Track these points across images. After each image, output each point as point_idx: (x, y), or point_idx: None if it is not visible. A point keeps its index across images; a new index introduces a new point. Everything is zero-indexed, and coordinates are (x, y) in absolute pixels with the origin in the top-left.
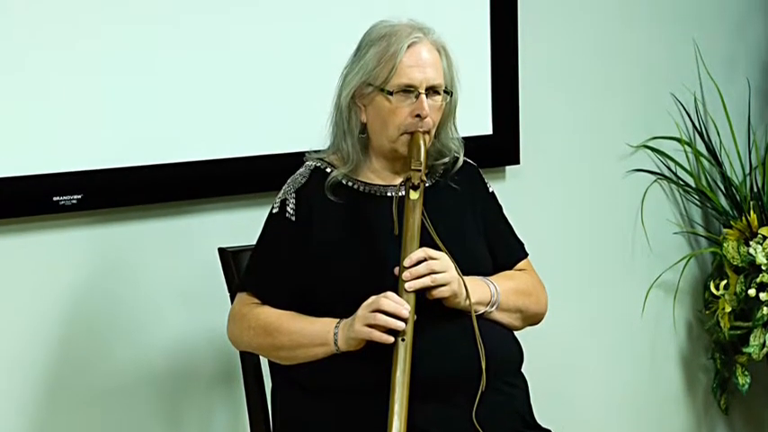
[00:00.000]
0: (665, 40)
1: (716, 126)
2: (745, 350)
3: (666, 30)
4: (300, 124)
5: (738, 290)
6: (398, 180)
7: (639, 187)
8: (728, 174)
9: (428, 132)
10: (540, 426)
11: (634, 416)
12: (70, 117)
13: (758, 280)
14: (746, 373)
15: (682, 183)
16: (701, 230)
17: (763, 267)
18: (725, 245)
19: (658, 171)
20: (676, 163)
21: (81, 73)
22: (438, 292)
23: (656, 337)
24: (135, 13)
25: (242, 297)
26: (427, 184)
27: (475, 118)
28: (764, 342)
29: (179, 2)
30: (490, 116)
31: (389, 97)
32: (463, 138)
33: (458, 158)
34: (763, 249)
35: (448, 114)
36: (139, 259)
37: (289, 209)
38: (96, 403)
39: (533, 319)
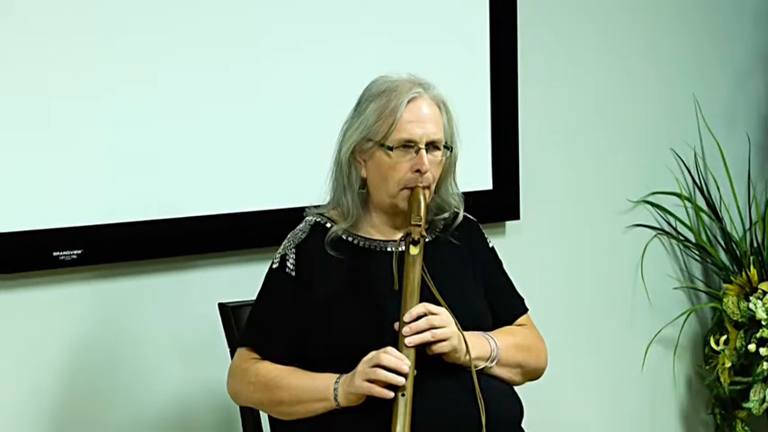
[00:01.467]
0: (665, 96)
1: (716, 181)
2: (745, 405)
3: (666, 85)
4: (300, 180)
5: (738, 345)
6: (398, 235)
7: (639, 242)
8: (728, 229)
9: (428, 187)
10: None
11: None
12: (70, 172)
13: (758, 335)
14: (747, 428)
15: (682, 238)
16: (701, 285)
17: (763, 323)
18: (725, 300)
19: (658, 226)
20: (676, 218)
21: (81, 129)
22: (438, 348)
23: (656, 392)
24: (136, 70)
25: (242, 352)
26: (427, 240)
27: (475, 173)
28: (764, 397)
29: (179, 60)
30: (490, 171)
31: (389, 152)
32: (463, 193)
33: (458, 213)
34: (764, 304)
35: (448, 169)
36: (140, 314)
37: (289, 264)
38: None
39: (533, 374)
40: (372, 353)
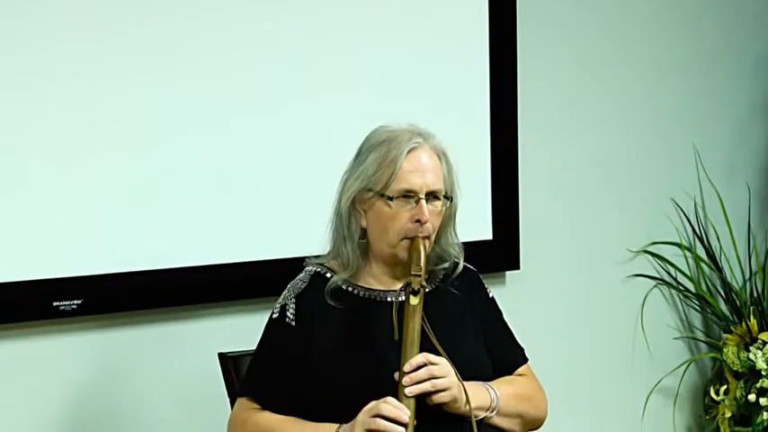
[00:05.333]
0: (666, 146)
1: (716, 231)
2: None
3: (666, 135)
4: (300, 229)
5: (738, 395)
6: (398, 285)
7: (639, 292)
8: (728, 279)
9: (428, 237)
10: None
11: None
12: (70, 223)
13: (758, 385)
14: None
15: (682, 288)
16: (700, 335)
17: (764, 373)
18: (725, 350)
19: (658, 276)
20: (676, 268)
21: (81, 181)
22: (438, 398)
23: None
24: (133, 120)
25: (242, 402)
26: (427, 290)
27: (475, 223)
28: None
29: (179, 111)
30: (490, 221)
31: (389, 202)
32: (463, 243)
33: (458, 263)
34: (764, 354)
35: (448, 219)
36: (139, 364)
37: (289, 314)
38: None
39: (533, 424)
40: (372, 403)
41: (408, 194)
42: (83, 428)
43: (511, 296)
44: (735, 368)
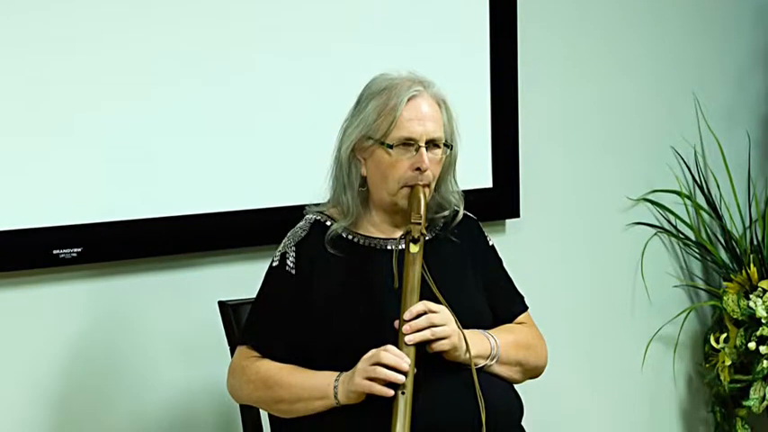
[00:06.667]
0: (665, 94)
1: (716, 179)
2: (745, 403)
3: (666, 83)
4: (300, 177)
5: (738, 343)
6: (398, 233)
7: (639, 240)
8: (728, 227)
9: (428, 185)
10: None
11: None
12: (70, 171)
13: (758, 333)
14: (747, 426)
15: (682, 236)
16: (700, 283)
17: (763, 320)
18: (725, 298)
19: (658, 224)
20: (676, 216)
21: (80, 127)
22: (438, 346)
23: (655, 390)
24: (132, 69)
25: (242, 350)
26: (427, 238)
27: (475, 171)
28: (764, 395)
29: (178, 60)
30: (490, 169)
31: (389, 150)
32: (463, 191)
33: (458, 212)
34: (764, 302)
35: (448, 167)
36: (139, 313)
37: (289, 262)
38: None
39: (533, 372)
40: (372, 351)
41: (408, 142)
42: (82, 376)
43: (511, 244)
44: (735, 316)
